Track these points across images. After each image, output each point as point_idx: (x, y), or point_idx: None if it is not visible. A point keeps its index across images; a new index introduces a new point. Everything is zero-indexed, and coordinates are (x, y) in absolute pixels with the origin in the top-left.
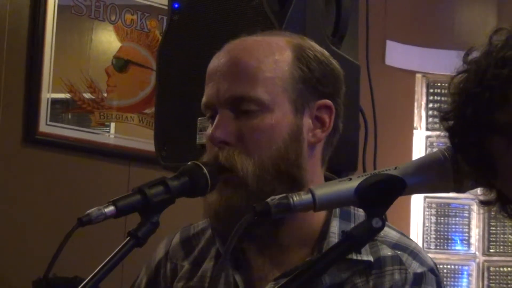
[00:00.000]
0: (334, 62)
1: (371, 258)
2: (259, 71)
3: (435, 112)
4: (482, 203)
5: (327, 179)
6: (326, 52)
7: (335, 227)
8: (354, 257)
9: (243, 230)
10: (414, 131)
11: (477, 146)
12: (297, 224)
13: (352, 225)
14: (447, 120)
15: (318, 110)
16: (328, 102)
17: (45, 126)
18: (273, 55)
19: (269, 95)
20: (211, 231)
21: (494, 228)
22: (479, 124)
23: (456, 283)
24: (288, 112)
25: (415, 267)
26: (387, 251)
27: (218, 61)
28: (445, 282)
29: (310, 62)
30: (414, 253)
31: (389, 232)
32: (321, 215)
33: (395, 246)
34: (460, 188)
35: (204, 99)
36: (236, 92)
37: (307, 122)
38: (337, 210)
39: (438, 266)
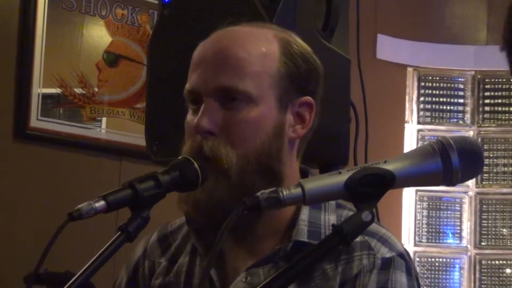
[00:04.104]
0: (316, 58)
1: None
2: (248, 64)
3: (426, 106)
4: None
5: (302, 172)
6: (309, 48)
7: (305, 214)
8: None
9: (225, 224)
10: (406, 124)
11: None
12: (271, 214)
13: (322, 214)
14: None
15: (299, 107)
16: (309, 99)
17: (36, 121)
18: (262, 49)
19: (256, 89)
20: (187, 227)
21: (485, 222)
22: None
23: (448, 277)
24: (273, 107)
25: (384, 252)
26: None
27: (205, 49)
28: (437, 276)
29: (296, 58)
30: (383, 239)
31: None
32: None
33: (364, 232)
34: (450, 181)
35: (188, 86)
36: (224, 82)
37: (289, 117)
38: None
39: (430, 259)
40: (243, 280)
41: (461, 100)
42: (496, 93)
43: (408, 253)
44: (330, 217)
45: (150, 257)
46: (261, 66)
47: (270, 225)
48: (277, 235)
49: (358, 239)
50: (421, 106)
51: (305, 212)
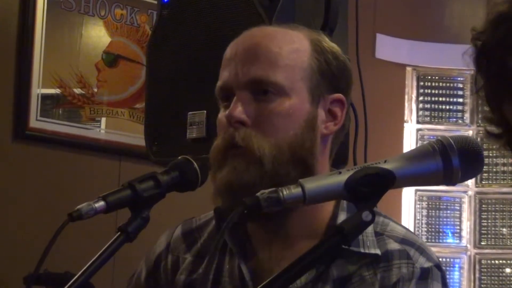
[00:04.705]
0: (346, 58)
1: (378, 252)
2: (279, 57)
3: (426, 105)
4: (490, 135)
5: None
6: (339, 49)
7: (342, 220)
8: (362, 250)
9: (226, 223)
10: (405, 124)
11: (500, 63)
12: (304, 216)
13: None
14: (477, 39)
15: (331, 103)
16: (341, 96)
17: (35, 121)
18: (293, 44)
19: (288, 81)
20: (214, 224)
21: (485, 221)
22: (508, 42)
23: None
24: (305, 100)
25: (422, 262)
26: (394, 245)
27: (236, 46)
28: None
29: (326, 55)
30: (421, 249)
31: (395, 227)
32: (329, 208)
33: (402, 241)
34: (450, 180)
35: (219, 83)
36: (256, 74)
37: (321, 113)
38: (344, 203)
39: None
40: None
41: (460, 100)
42: None
43: (441, 264)
44: None
45: (174, 252)
46: (292, 59)
47: (304, 226)
48: (314, 238)
49: (397, 247)
50: (420, 105)
51: (342, 218)
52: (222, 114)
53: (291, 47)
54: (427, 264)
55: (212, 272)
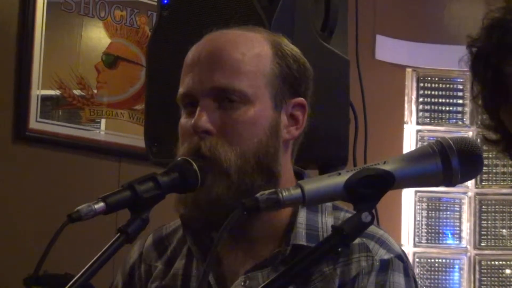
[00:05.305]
0: (306, 60)
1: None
2: (242, 64)
3: (426, 107)
4: (488, 141)
5: (298, 174)
6: (299, 50)
7: (302, 217)
8: None
9: (224, 225)
10: (405, 125)
11: (495, 68)
12: (267, 217)
13: (319, 216)
14: (472, 46)
15: (293, 108)
16: (302, 100)
17: (35, 122)
18: (255, 50)
19: (252, 88)
20: (182, 230)
21: (485, 222)
22: (503, 47)
23: (447, 277)
24: (269, 107)
25: (382, 254)
26: None
27: (198, 51)
28: (436, 276)
29: (287, 59)
30: (381, 240)
31: None
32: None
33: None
34: (450, 182)
35: (182, 89)
36: (220, 82)
37: (284, 118)
38: None
39: (429, 260)
40: (242, 284)
41: (460, 101)
42: None
43: (405, 254)
44: (327, 220)
45: (146, 261)
46: (255, 66)
47: (267, 227)
48: (275, 238)
49: (357, 241)
50: (420, 106)
51: (302, 215)
52: (185, 121)
53: (253, 53)
54: (387, 256)
55: (180, 278)
